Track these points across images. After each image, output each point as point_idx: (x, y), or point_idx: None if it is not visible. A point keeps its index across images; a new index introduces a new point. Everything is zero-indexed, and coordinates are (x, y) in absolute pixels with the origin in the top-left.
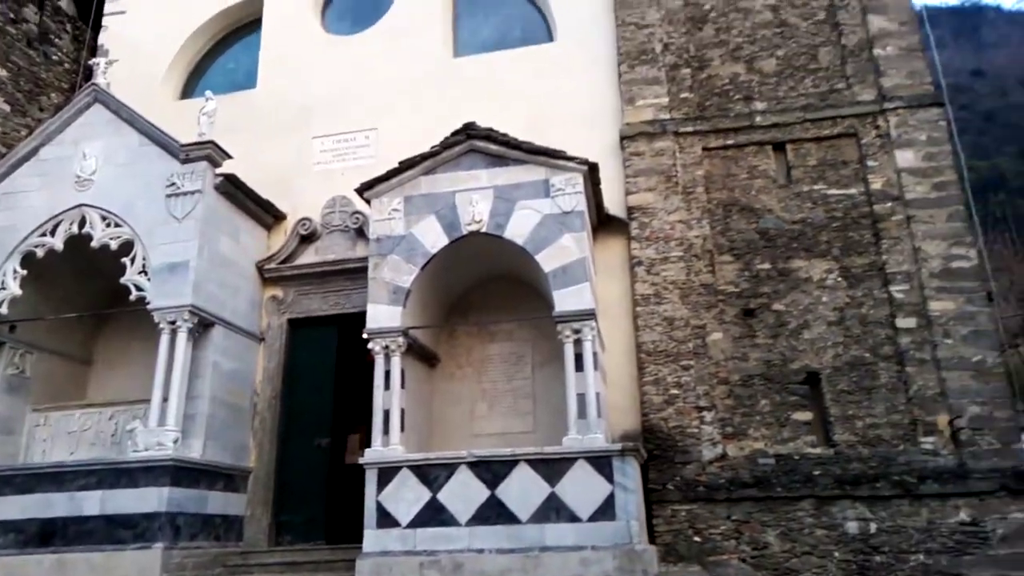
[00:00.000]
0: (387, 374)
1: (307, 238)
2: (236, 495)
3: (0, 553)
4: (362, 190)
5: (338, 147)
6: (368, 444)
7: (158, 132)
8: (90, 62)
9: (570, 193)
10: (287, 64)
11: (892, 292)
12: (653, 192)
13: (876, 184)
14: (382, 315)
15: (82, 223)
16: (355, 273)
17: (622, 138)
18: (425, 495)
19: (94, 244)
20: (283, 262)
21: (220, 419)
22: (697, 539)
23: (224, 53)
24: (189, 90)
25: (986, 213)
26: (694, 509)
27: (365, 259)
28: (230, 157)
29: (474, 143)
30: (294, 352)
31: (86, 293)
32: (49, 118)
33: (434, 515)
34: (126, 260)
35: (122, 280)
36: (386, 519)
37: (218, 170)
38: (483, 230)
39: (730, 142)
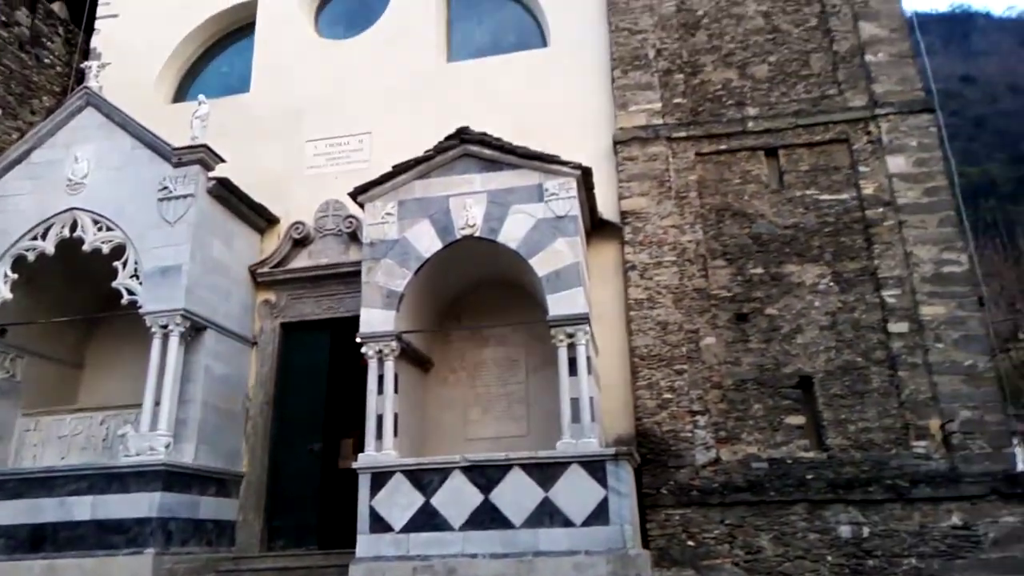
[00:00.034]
0: (380, 378)
1: (300, 242)
2: (228, 500)
3: None
4: (356, 194)
5: (331, 151)
6: (361, 449)
7: (150, 136)
8: (82, 65)
9: (564, 197)
10: (280, 68)
11: (884, 297)
12: (646, 197)
13: (868, 189)
14: (375, 319)
15: (73, 226)
16: (348, 277)
17: (615, 143)
18: (418, 500)
19: (86, 248)
20: (276, 266)
21: (212, 423)
22: (691, 543)
23: (217, 57)
24: (182, 94)
25: (977, 218)
26: (688, 513)
27: (358, 263)
28: (223, 161)
29: (468, 147)
30: (287, 356)
31: (77, 297)
32: (41, 121)
33: (427, 520)
34: (118, 264)
35: (114, 284)
36: (379, 524)
37: (211, 174)
38: (477, 234)
39: (723, 147)
